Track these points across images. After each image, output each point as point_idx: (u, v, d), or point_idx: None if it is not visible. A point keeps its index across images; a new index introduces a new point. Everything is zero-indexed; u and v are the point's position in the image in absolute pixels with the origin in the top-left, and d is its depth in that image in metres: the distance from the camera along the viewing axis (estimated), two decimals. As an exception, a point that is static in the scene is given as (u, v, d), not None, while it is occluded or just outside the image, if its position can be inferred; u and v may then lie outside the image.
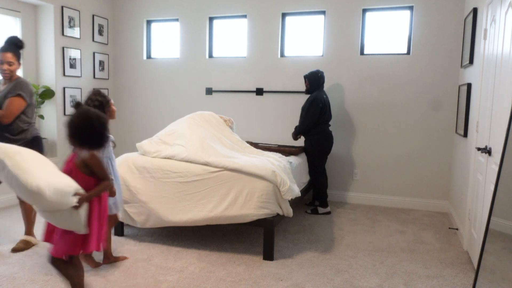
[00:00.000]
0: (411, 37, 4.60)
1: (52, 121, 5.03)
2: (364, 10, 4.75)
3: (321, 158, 4.45)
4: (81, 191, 2.04)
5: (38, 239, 3.35)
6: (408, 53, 4.66)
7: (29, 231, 3.34)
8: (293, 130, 4.91)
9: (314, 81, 4.38)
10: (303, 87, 4.96)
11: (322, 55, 4.94)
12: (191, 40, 5.48)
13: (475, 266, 2.67)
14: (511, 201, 2.04)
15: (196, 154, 3.39)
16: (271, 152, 4.07)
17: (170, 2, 5.53)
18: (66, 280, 2.21)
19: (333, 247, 3.45)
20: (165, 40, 5.78)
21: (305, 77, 4.43)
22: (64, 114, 5.10)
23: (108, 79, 5.85)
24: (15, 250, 3.19)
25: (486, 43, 3.14)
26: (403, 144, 4.71)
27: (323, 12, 4.92)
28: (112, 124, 2.92)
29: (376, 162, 4.83)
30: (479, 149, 2.87)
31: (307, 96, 4.90)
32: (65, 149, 5.19)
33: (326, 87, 4.70)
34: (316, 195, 4.69)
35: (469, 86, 3.69)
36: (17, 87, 3.19)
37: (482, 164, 2.93)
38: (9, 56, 3.16)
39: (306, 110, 4.34)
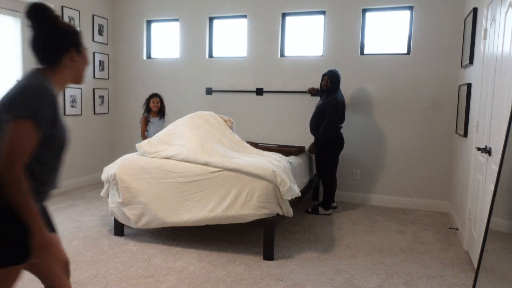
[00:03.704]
0: (411, 37, 4.60)
1: (52, 121, 5.02)
2: (364, 10, 4.75)
3: (332, 161, 4.40)
4: None
5: None
6: (408, 53, 4.66)
7: None
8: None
9: (335, 80, 4.26)
10: (303, 87, 4.97)
11: (322, 55, 4.94)
12: (191, 40, 5.48)
13: (475, 266, 2.66)
14: (511, 201, 2.04)
15: (196, 154, 3.39)
16: (271, 152, 4.06)
17: (170, 2, 5.53)
18: None
19: (333, 247, 3.45)
20: (165, 40, 5.78)
21: (326, 75, 4.29)
22: (64, 114, 5.09)
23: (108, 79, 5.85)
24: None
25: (486, 43, 3.14)
26: (403, 144, 4.71)
27: (323, 12, 4.92)
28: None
29: (376, 162, 4.83)
30: (479, 149, 2.87)
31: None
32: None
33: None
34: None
35: (469, 86, 3.69)
36: None
37: (482, 164, 2.93)
38: None
39: (330, 114, 4.17)
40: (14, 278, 1.49)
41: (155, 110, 4.73)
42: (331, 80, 4.25)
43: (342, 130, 4.45)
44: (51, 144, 1.48)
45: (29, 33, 1.52)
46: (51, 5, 1.43)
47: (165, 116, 4.82)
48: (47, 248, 1.45)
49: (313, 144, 4.35)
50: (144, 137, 4.65)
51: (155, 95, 4.78)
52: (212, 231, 3.73)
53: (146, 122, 4.73)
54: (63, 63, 1.54)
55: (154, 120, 4.72)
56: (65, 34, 1.56)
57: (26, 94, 1.39)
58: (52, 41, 1.52)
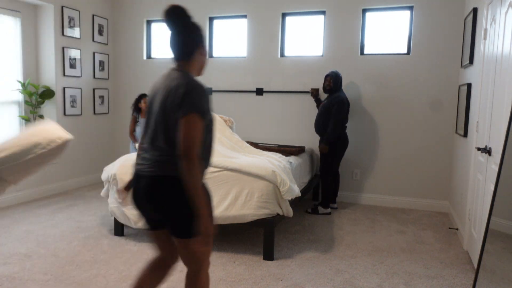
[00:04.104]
0: (411, 37, 4.60)
1: (52, 121, 5.02)
2: (364, 10, 4.75)
3: (334, 160, 4.44)
4: None
5: None
6: (408, 53, 4.66)
7: None
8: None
9: (337, 80, 4.36)
10: (303, 87, 4.97)
11: (322, 55, 4.94)
12: (191, 40, 5.47)
13: (475, 266, 2.66)
14: (511, 201, 2.04)
15: (196, 154, 3.39)
16: (271, 152, 4.07)
17: (170, 2, 5.52)
18: None
19: (333, 247, 3.45)
20: (165, 40, 5.78)
21: (328, 76, 4.37)
22: (64, 114, 5.09)
23: (108, 79, 5.85)
24: None
25: (486, 43, 3.14)
26: (403, 144, 4.71)
27: (323, 12, 4.92)
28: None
29: (376, 162, 4.83)
30: (479, 149, 2.87)
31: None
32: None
33: (326, 87, 4.70)
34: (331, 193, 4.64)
35: (469, 86, 3.69)
36: None
37: (482, 164, 2.93)
38: None
39: (337, 111, 4.25)
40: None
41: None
42: (334, 80, 4.34)
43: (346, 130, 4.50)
44: (208, 128, 1.70)
45: (169, 33, 1.72)
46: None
47: None
48: (208, 236, 1.60)
49: (323, 143, 4.35)
50: (133, 136, 4.71)
51: (145, 95, 4.79)
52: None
53: (134, 121, 4.77)
54: (194, 57, 1.77)
55: (143, 121, 4.74)
56: (198, 31, 1.78)
57: (190, 93, 1.63)
58: (190, 38, 1.77)
